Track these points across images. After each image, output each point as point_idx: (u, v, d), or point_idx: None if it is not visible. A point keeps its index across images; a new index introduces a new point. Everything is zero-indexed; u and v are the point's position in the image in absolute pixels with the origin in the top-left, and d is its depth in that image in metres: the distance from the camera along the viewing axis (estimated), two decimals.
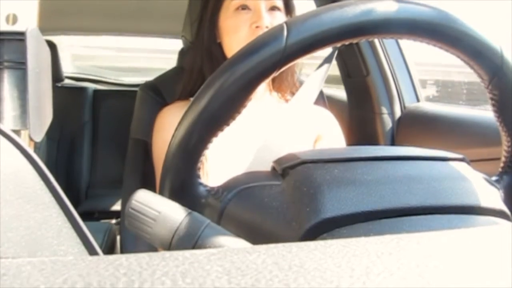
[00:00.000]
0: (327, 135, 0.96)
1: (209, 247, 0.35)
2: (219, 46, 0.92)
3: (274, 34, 0.40)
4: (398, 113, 1.42)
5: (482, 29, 0.43)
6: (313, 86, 0.83)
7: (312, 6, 1.52)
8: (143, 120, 1.10)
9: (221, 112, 0.40)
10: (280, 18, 0.89)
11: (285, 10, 0.92)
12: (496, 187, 0.46)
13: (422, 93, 1.46)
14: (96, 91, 2.32)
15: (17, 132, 0.51)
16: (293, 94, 0.85)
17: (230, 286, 0.17)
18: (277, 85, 0.97)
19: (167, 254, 0.20)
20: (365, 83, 1.46)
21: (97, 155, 2.22)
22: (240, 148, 0.89)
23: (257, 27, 0.86)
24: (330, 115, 1.00)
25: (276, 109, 0.95)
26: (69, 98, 2.16)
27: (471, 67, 0.44)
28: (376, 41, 1.43)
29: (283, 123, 0.75)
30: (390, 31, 0.42)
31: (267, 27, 0.86)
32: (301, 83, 0.88)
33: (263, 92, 0.97)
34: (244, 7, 0.88)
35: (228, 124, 0.41)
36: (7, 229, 0.26)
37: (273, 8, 0.89)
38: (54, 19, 2.22)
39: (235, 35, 0.88)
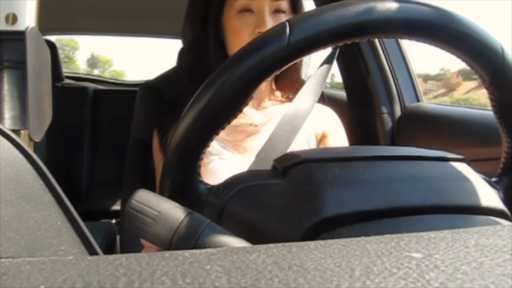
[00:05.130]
0: (332, 133, 0.96)
1: (209, 246, 0.35)
2: (222, 44, 0.91)
3: (276, 32, 0.40)
4: (398, 112, 1.42)
5: (483, 29, 0.43)
6: (316, 85, 0.83)
7: (312, 6, 1.52)
8: (143, 119, 1.10)
9: (222, 111, 0.40)
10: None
11: (291, 12, 0.90)
12: (495, 188, 0.46)
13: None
14: (96, 91, 2.32)
15: (17, 132, 0.51)
16: (296, 92, 0.85)
17: (230, 285, 0.17)
18: (279, 84, 0.97)
19: (167, 254, 0.20)
20: (365, 83, 1.46)
21: (97, 155, 2.21)
22: (242, 147, 0.89)
23: (259, 32, 0.84)
24: (333, 113, 1.00)
25: (278, 108, 0.95)
26: (69, 98, 2.16)
27: (472, 68, 0.44)
28: (376, 40, 1.43)
29: (286, 122, 0.75)
30: (391, 31, 0.42)
31: None
32: (303, 82, 0.88)
33: (265, 90, 0.96)
34: (247, 9, 0.86)
35: (229, 123, 0.41)
36: (7, 229, 0.26)
37: (277, 11, 0.88)
38: (54, 19, 2.22)
39: (237, 37, 0.87)
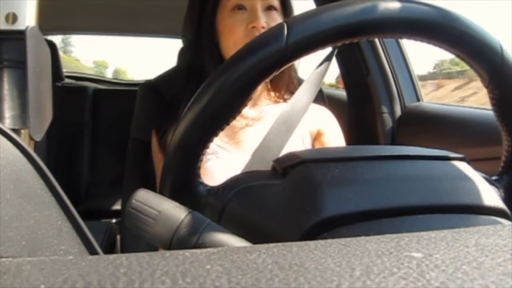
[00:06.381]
0: (328, 130, 0.96)
1: (209, 246, 0.35)
2: (217, 45, 0.92)
3: (274, 33, 0.40)
4: (398, 112, 1.42)
5: (482, 28, 0.43)
6: (312, 85, 0.83)
7: (312, 6, 1.52)
8: (143, 119, 1.10)
9: (221, 112, 0.40)
10: (276, 18, 0.90)
11: (282, 10, 0.92)
12: (496, 186, 0.46)
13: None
14: (96, 91, 2.32)
15: (17, 131, 0.51)
16: (291, 93, 0.85)
17: (230, 285, 0.17)
18: (274, 85, 0.97)
19: (167, 253, 0.20)
20: (365, 83, 1.46)
21: (97, 154, 2.22)
22: (238, 145, 0.90)
23: (253, 27, 0.86)
24: (328, 112, 1.00)
25: (273, 107, 0.95)
26: (69, 97, 2.16)
27: (471, 67, 0.44)
28: (376, 40, 1.43)
29: (281, 122, 0.75)
30: (390, 31, 0.42)
31: (263, 27, 0.86)
32: (300, 82, 0.88)
33: (261, 90, 0.97)
34: (240, 7, 0.88)
35: (228, 123, 0.41)
36: (8, 229, 0.26)
37: (270, 8, 0.90)
38: (54, 18, 2.22)
39: (232, 35, 0.88)
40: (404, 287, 0.17)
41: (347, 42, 0.41)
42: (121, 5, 2.22)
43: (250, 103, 0.95)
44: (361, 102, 1.50)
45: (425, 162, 0.42)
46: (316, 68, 0.86)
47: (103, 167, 2.19)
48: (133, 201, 0.38)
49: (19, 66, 0.51)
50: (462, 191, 0.40)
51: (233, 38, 0.88)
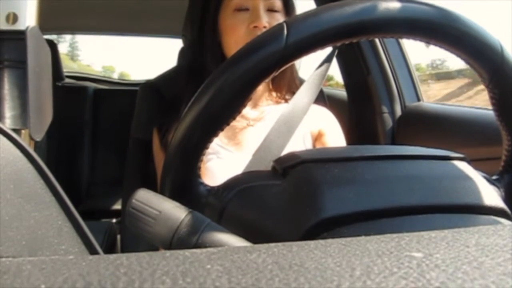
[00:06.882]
0: (329, 131, 0.96)
1: (210, 246, 0.35)
2: (220, 45, 0.92)
3: (274, 33, 0.40)
4: (398, 112, 1.42)
5: (482, 28, 0.43)
6: (313, 86, 0.83)
7: (312, 6, 1.52)
8: (143, 119, 1.10)
9: (221, 112, 0.40)
10: (278, 18, 0.90)
11: (284, 10, 0.93)
12: (496, 186, 0.46)
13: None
14: (96, 90, 2.32)
15: (17, 131, 0.51)
16: (292, 93, 0.85)
17: (230, 285, 0.17)
18: (276, 85, 0.97)
19: (167, 253, 0.20)
20: (365, 83, 1.46)
21: (98, 154, 2.22)
22: (239, 145, 0.90)
23: (255, 27, 0.86)
24: (329, 113, 1.00)
25: (274, 108, 0.95)
26: (69, 97, 2.16)
27: (471, 66, 0.44)
28: (376, 40, 1.43)
29: (282, 123, 0.75)
30: (390, 31, 0.42)
31: (265, 27, 0.86)
32: (301, 82, 0.88)
33: (262, 91, 0.97)
34: (242, 7, 0.89)
35: (228, 124, 0.41)
36: (8, 228, 0.26)
37: (272, 9, 0.90)
38: (54, 18, 2.22)
39: (233, 35, 0.88)
40: (404, 287, 0.17)
41: (347, 42, 0.41)
42: (121, 5, 2.22)
43: (251, 103, 0.96)
44: (362, 102, 1.50)
45: (425, 162, 0.42)
46: (317, 69, 0.86)
47: (103, 167, 2.19)
48: (134, 200, 0.38)
49: (20, 66, 0.51)
50: (462, 191, 0.40)
51: (234, 38, 0.88)
